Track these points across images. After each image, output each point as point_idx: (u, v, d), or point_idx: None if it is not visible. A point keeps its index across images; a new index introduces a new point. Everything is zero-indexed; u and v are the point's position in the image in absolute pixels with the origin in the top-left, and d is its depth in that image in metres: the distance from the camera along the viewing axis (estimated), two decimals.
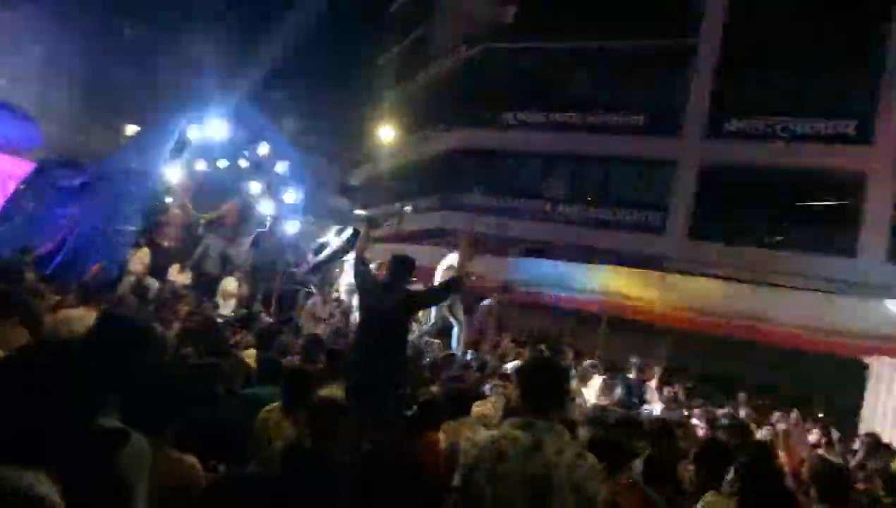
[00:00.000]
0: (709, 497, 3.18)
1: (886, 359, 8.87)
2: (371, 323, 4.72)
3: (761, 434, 6.68)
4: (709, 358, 13.48)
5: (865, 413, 8.45)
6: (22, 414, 1.44)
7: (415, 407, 4.39)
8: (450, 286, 5.23)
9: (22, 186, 10.39)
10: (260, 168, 11.73)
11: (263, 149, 11.38)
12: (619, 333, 14.52)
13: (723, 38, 17.87)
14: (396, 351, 4.63)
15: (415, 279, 5.83)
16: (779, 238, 16.66)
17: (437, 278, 8.26)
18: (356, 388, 4.37)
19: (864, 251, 15.28)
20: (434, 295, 5.44)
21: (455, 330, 9.56)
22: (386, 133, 24.60)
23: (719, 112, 17.83)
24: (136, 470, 2.25)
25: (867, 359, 9.07)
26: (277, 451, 3.41)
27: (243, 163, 11.60)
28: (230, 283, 8.99)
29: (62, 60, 17.65)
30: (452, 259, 8.24)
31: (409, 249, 20.32)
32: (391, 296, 4.63)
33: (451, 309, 9.24)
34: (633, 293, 14.31)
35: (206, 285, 9.53)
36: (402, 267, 4.88)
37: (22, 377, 1.50)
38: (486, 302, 8.97)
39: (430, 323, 9.30)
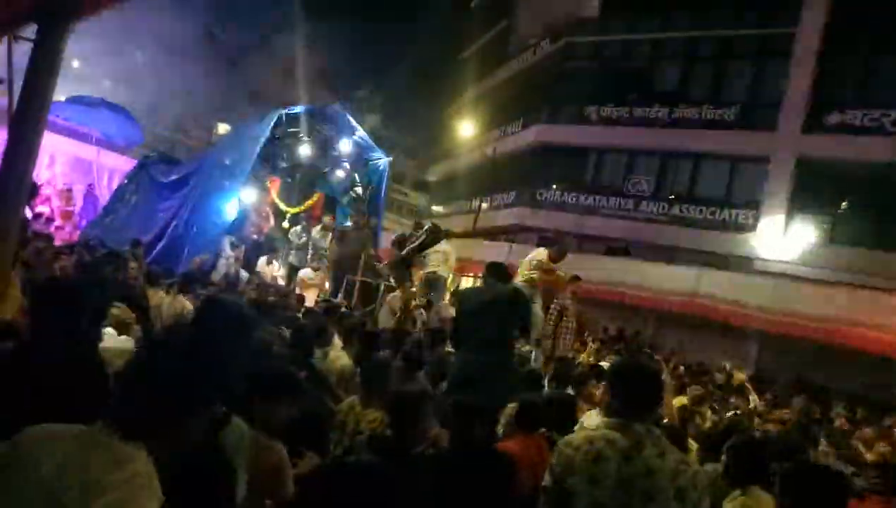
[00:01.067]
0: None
1: None
2: (477, 320, 4.77)
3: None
4: (802, 365, 12.74)
5: None
6: (143, 395, 1.53)
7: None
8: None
9: (125, 181, 11.13)
10: (343, 164, 12.03)
11: (347, 145, 11.65)
12: (705, 335, 14.01)
13: (825, 25, 16.74)
14: (504, 349, 4.75)
15: None
16: (883, 238, 15.43)
17: (521, 274, 8.17)
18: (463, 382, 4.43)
19: None
20: (530, 324, 5.43)
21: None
22: (466, 128, 24.65)
23: (819, 104, 16.73)
24: (239, 452, 2.34)
25: None
26: (362, 441, 3.48)
27: (327, 159, 11.93)
28: (308, 274, 9.26)
29: (161, 62, 18.72)
30: (539, 254, 8.10)
31: (485, 245, 20.47)
32: (500, 291, 4.75)
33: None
34: (721, 293, 13.76)
35: (292, 276, 9.89)
36: (499, 271, 5.01)
37: (153, 360, 1.62)
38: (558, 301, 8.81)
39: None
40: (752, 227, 17.28)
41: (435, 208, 28.36)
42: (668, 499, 2.18)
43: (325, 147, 11.81)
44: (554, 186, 21.28)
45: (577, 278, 7.38)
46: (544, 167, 21.84)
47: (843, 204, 16.22)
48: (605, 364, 7.12)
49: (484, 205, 23.48)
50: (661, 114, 19.63)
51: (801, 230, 16.23)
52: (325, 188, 12.71)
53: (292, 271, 10.68)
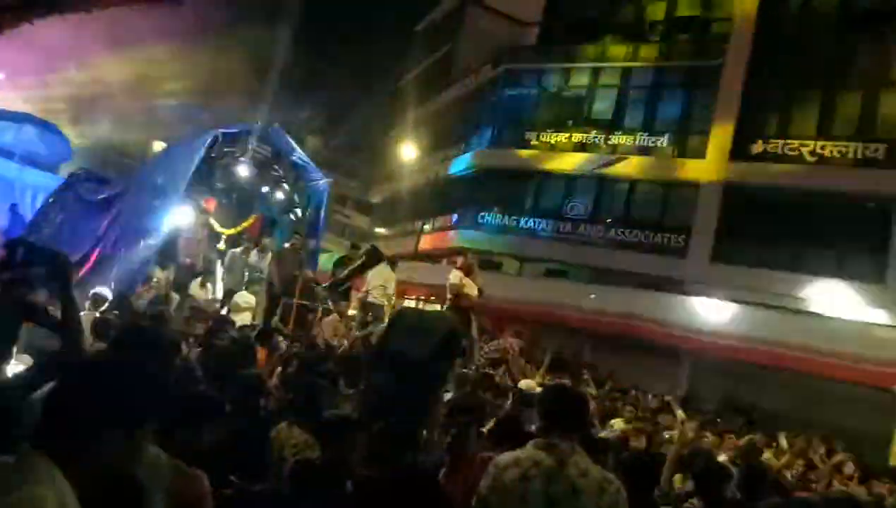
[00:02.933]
0: None
1: None
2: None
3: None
4: (731, 385, 13.24)
5: None
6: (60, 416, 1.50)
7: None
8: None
9: (50, 199, 10.65)
10: (282, 185, 11.88)
11: (286, 166, 11.53)
12: (638, 356, 14.37)
13: (749, 59, 17.74)
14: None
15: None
16: (804, 262, 16.29)
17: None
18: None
19: (891, 278, 14.92)
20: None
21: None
22: (409, 151, 24.80)
23: (744, 133, 17.66)
24: (154, 481, 2.25)
25: None
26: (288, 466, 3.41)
27: (266, 180, 11.76)
28: (244, 297, 9.06)
29: (96, 76, 18.10)
30: (454, 276, 8.23)
31: (425, 267, 20.52)
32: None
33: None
34: (653, 316, 14.18)
35: (226, 300, 9.63)
36: None
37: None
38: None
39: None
40: (684, 251, 17.96)
41: (377, 230, 28.30)
42: None
43: (263, 167, 11.65)
44: (495, 209, 21.59)
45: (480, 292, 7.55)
46: (486, 190, 22.15)
47: (767, 228, 17.03)
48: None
49: (427, 227, 23.58)
50: (598, 140, 20.27)
51: (728, 254, 16.96)
52: (264, 209, 12.50)
53: (228, 294, 10.41)
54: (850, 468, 6.82)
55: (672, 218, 18.84)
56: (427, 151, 25.86)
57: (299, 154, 11.58)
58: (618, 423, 6.75)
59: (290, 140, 11.56)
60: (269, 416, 4.11)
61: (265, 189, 12.02)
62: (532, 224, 20.70)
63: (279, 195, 12.00)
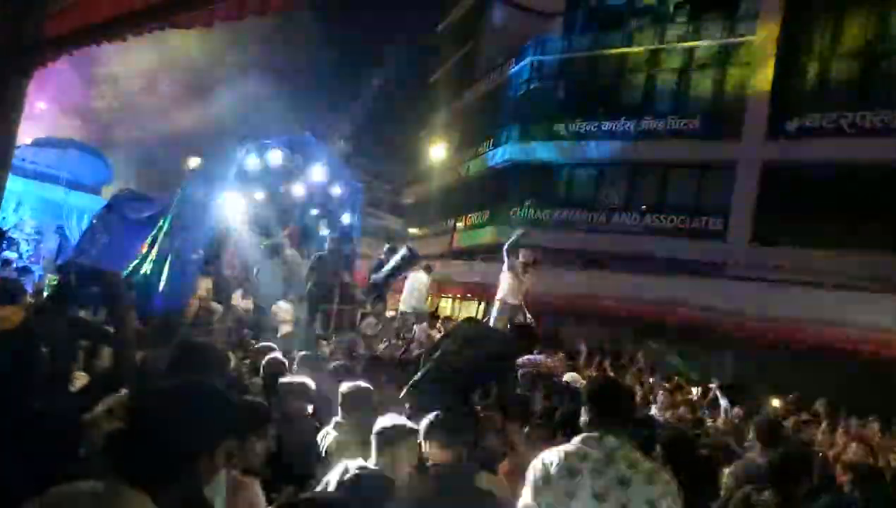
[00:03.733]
0: None
1: None
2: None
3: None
4: (777, 370, 12.91)
5: None
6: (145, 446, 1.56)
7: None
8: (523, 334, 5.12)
9: (93, 221, 11.02)
10: (316, 192, 12.06)
11: (319, 173, 11.70)
12: (680, 343, 14.16)
13: (780, 33, 17.29)
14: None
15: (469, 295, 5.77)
16: (849, 238, 15.78)
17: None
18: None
19: None
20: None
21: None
22: (437, 151, 24.86)
23: (780, 110, 17.21)
24: (217, 494, 2.35)
25: None
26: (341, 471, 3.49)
27: (300, 189, 11.95)
28: (282, 307, 9.23)
29: (130, 99, 18.65)
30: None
31: (460, 266, 20.54)
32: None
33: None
34: (695, 301, 13.95)
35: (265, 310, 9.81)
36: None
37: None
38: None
39: None
40: (723, 234, 17.62)
41: (411, 230, 28.45)
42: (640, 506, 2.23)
43: (296, 176, 11.84)
44: (527, 203, 21.50)
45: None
46: (516, 185, 22.08)
47: (808, 206, 16.56)
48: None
49: (460, 225, 23.63)
50: (628, 127, 20.00)
51: (769, 234, 16.56)
52: (299, 217, 12.71)
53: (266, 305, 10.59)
54: None
55: (709, 201, 18.49)
56: (457, 149, 25.89)
57: (331, 160, 11.75)
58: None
59: (322, 147, 11.74)
60: (314, 423, 4.19)
61: (299, 196, 12.22)
62: (566, 216, 20.56)
63: (313, 202, 12.19)
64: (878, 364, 11.31)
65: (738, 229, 17.39)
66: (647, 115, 19.76)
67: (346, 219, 11.84)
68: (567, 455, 2.37)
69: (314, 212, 12.30)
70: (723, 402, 6.89)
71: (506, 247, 8.35)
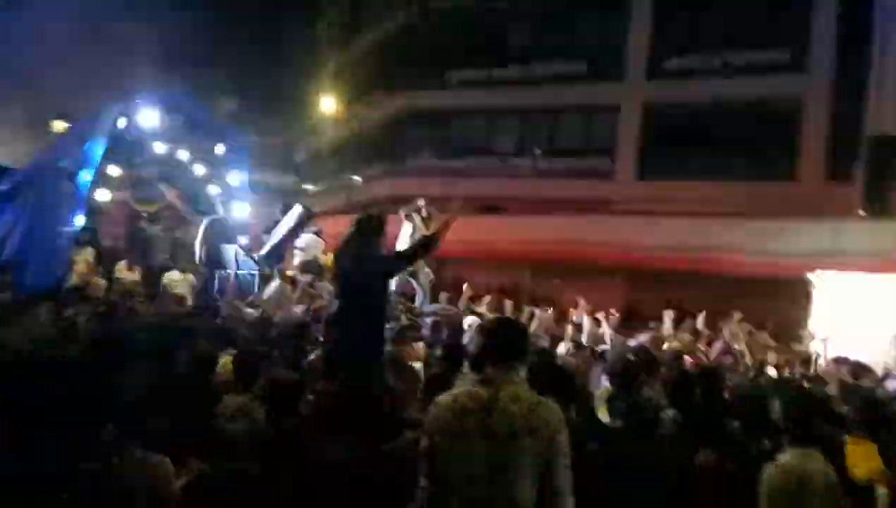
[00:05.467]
0: None
1: (828, 274, 9.34)
2: (348, 292, 4.61)
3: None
4: (664, 296, 13.85)
5: (813, 326, 8.94)
6: None
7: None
8: (425, 246, 4.98)
9: None
10: (198, 153, 11.40)
11: (201, 132, 11.06)
12: (575, 280, 14.81)
13: None
14: (376, 320, 4.54)
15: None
16: (723, 170, 17.07)
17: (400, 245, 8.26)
18: (336, 361, 4.34)
19: (803, 175, 15.84)
20: (407, 259, 5.19)
21: (419, 298, 9.57)
22: (328, 104, 24.13)
23: (658, 52, 18.01)
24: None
25: (811, 276, 9.53)
26: (238, 435, 3.43)
27: (182, 151, 11.26)
28: (174, 276, 8.79)
29: None
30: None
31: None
32: (367, 262, 4.50)
33: (413, 275, 9.23)
34: (587, 239, 14.55)
35: (155, 280, 9.29)
36: (372, 225, 4.67)
37: None
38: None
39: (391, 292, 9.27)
40: (611, 173, 18.49)
41: (306, 187, 27.71)
42: (524, 438, 2.28)
43: (177, 137, 11.12)
44: (422, 153, 21.46)
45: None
46: (411, 135, 21.94)
47: (687, 143, 17.62)
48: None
49: (357, 179, 23.27)
50: (517, 74, 20.26)
51: (653, 171, 17.54)
52: (183, 181, 12.01)
53: (156, 273, 10.04)
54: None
55: (597, 142, 19.25)
56: (349, 101, 25.24)
57: (213, 118, 11.13)
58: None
59: (202, 105, 11.07)
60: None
61: (182, 159, 11.52)
62: (461, 164, 20.72)
63: (197, 164, 11.53)
64: (747, 283, 12.33)
65: (625, 167, 18.31)
66: (534, 61, 20.06)
67: (233, 179, 11.30)
68: (458, 396, 2.41)
69: (200, 173, 11.65)
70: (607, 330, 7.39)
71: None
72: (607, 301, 12.23)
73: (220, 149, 11.23)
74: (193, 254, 9.81)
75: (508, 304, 8.90)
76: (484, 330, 2.86)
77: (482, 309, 9.02)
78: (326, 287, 8.75)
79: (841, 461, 3.60)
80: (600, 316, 7.84)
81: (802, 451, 2.92)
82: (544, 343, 6.91)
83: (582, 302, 8.05)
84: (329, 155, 26.30)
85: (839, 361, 6.64)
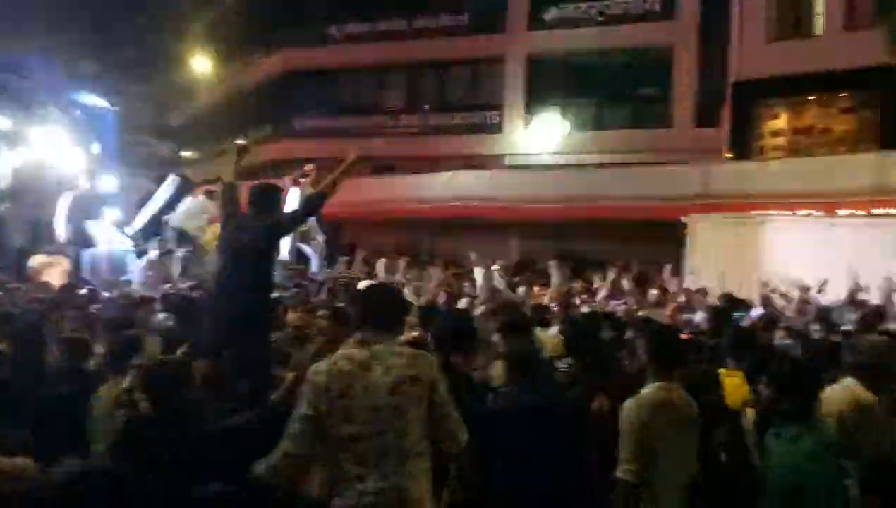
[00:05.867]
0: None
1: (699, 216, 9.95)
2: (233, 258, 4.31)
3: None
4: (559, 244, 14.35)
5: (688, 266, 9.55)
6: None
7: None
8: (313, 204, 4.66)
9: None
10: (56, 121, 10.34)
11: (57, 99, 10.02)
12: (471, 236, 15.03)
13: None
14: (263, 287, 4.31)
15: None
16: (605, 118, 17.72)
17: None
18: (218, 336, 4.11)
19: (676, 121, 16.74)
20: (296, 218, 4.78)
21: (313, 264, 9.33)
22: (202, 64, 22.61)
23: (537, 3, 18.18)
24: None
25: (685, 219, 10.12)
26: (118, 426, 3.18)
27: (35, 118, 10.15)
28: (39, 260, 8.00)
29: None
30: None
31: (248, 187, 19.45)
32: (255, 226, 4.22)
33: (305, 237, 8.95)
34: (480, 193, 14.72)
35: (12, 263, 8.41)
36: (265, 194, 4.38)
37: None
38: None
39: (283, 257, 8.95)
40: (499, 127, 18.71)
41: (184, 154, 26.08)
42: (406, 386, 2.36)
43: (29, 104, 10.01)
44: (310, 113, 20.71)
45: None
46: (296, 94, 21.07)
47: (571, 92, 18.08)
48: None
49: (241, 143, 22.11)
50: (401, 27, 19.83)
51: (540, 123, 17.90)
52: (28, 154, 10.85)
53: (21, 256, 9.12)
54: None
55: (485, 96, 19.35)
56: (225, 60, 23.76)
57: (71, 83, 10.10)
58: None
59: (57, 68, 10.01)
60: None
61: (36, 129, 10.39)
62: (350, 123, 20.21)
63: (55, 133, 10.45)
64: (630, 228, 12.98)
65: (513, 121, 18.56)
66: (418, 14, 19.69)
67: (95, 148, 10.38)
68: (336, 360, 2.42)
69: (56, 143, 10.58)
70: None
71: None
72: (502, 255, 12.56)
73: (79, 116, 10.25)
74: (54, 232, 8.96)
75: (402, 264, 8.82)
76: (358, 296, 2.88)
77: (380, 271, 8.90)
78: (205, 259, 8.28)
79: (717, 391, 3.82)
80: (494, 269, 7.95)
81: (660, 385, 3.01)
82: (440, 299, 6.95)
83: (474, 256, 8.13)
84: (207, 119, 24.78)
85: (701, 292, 7.15)
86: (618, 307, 6.93)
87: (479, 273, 7.69)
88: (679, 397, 3.05)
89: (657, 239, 11.36)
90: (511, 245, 15.25)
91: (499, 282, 7.65)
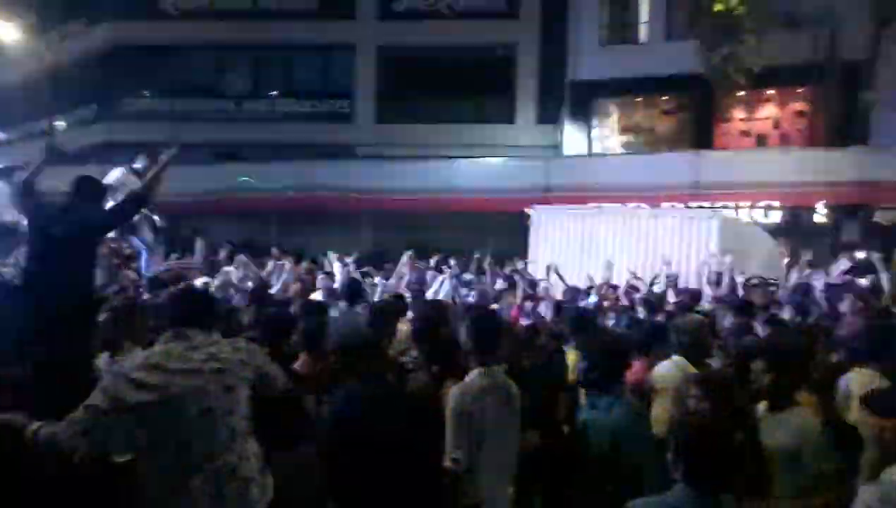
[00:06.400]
0: None
1: (542, 208, 10.48)
2: (46, 253, 3.97)
3: None
4: (408, 234, 14.41)
5: (531, 256, 10.03)
6: None
7: None
8: (138, 199, 4.45)
9: None
10: None
11: None
12: (323, 227, 14.71)
13: None
14: (83, 284, 4.05)
15: None
16: (453, 113, 18.09)
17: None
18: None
19: (519, 117, 17.52)
20: (122, 211, 4.56)
21: (144, 256, 8.59)
22: (9, 33, 19.83)
23: None
24: None
25: (528, 211, 10.60)
26: None
27: None
28: None
29: None
30: (116, 176, 7.24)
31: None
32: (73, 218, 3.95)
33: (134, 230, 8.21)
34: (331, 184, 14.41)
35: None
36: (89, 188, 4.21)
37: None
38: None
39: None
40: (351, 116, 18.43)
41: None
42: (228, 374, 2.43)
43: None
44: (141, 93, 19.02)
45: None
46: (126, 72, 19.21)
47: (421, 85, 18.20)
48: None
49: (59, 124, 19.84)
50: (245, 5, 18.81)
51: (391, 114, 17.91)
52: None
53: None
54: None
55: (336, 84, 18.93)
56: (39, 30, 21.02)
57: None
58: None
59: None
60: None
61: None
62: (188, 105, 18.87)
63: None
64: (480, 218, 13.38)
65: (365, 111, 18.37)
66: None
67: None
68: (150, 354, 2.44)
69: None
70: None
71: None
72: (355, 245, 12.38)
73: None
74: None
75: (242, 258, 8.38)
76: (168, 298, 2.92)
77: (224, 264, 8.38)
78: None
79: (560, 370, 4.19)
80: (348, 260, 7.82)
81: (482, 370, 3.07)
82: (290, 294, 6.70)
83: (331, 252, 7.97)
84: (17, 96, 21.83)
85: (544, 282, 7.54)
86: (468, 297, 7.07)
87: (337, 266, 7.57)
88: (502, 381, 3.13)
89: (508, 230, 11.83)
90: (366, 236, 15.11)
91: (356, 274, 7.54)
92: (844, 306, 5.76)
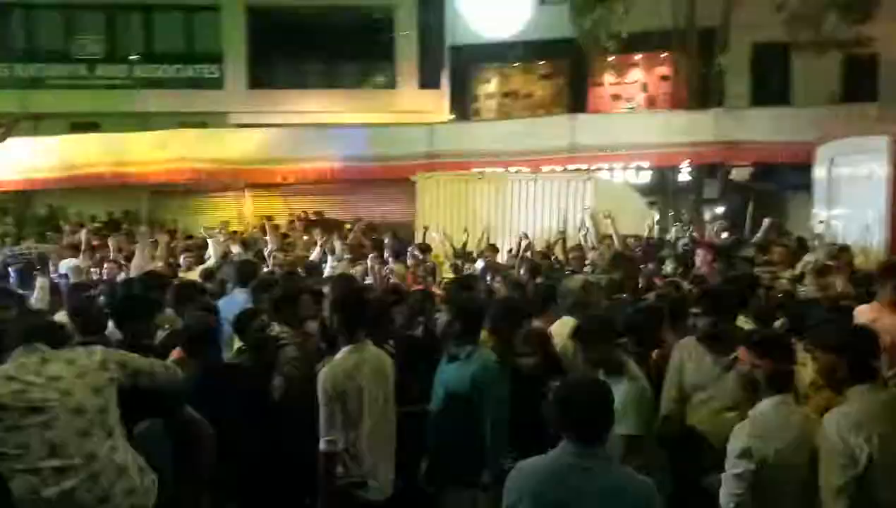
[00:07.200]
0: None
1: (427, 174, 10.49)
2: None
3: None
4: (288, 206, 13.93)
5: (417, 223, 10.05)
6: None
7: None
8: None
9: None
10: None
11: None
12: (198, 198, 13.90)
13: None
14: None
15: None
16: (331, 77, 17.54)
17: None
18: None
19: (400, 82, 17.27)
20: None
21: None
22: None
23: None
24: None
25: (413, 177, 10.58)
26: None
27: None
28: None
29: None
30: None
31: None
32: None
33: None
34: (203, 155, 13.51)
35: None
36: None
37: None
38: None
39: None
40: (220, 82, 17.38)
41: None
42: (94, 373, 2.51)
43: None
44: None
45: None
46: None
47: (294, 49, 17.40)
48: None
49: None
50: None
51: (264, 79, 17.06)
52: None
53: None
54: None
55: (203, 48, 17.71)
56: None
57: None
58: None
59: None
60: None
61: None
62: (35, 70, 16.99)
63: None
64: (370, 185, 13.11)
65: (236, 76, 17.37)
66: None
67: None
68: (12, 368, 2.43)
69: None
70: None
71: None
72: (234, 216, 11.86)
73: None
74: None
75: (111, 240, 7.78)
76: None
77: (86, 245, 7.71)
78: None
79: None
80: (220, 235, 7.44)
81: (350, 348, 3.09)
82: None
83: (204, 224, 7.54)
84: None
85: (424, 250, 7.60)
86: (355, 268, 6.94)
87: (211, 243, 7.19)
88: (373, 355, 3.15)
89: (398, 197, 11.76)
90: (244, 207, 14.42)
91: (234, 247, 7.22)
92: (698, 260, 6.20)
